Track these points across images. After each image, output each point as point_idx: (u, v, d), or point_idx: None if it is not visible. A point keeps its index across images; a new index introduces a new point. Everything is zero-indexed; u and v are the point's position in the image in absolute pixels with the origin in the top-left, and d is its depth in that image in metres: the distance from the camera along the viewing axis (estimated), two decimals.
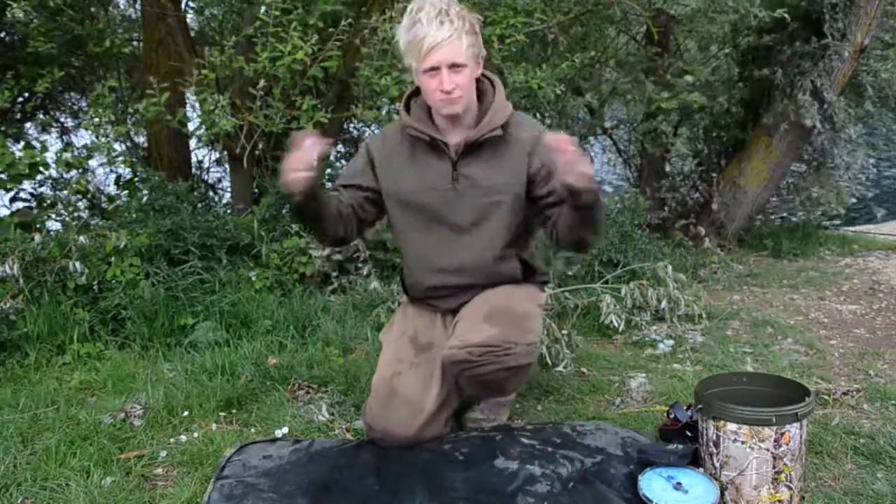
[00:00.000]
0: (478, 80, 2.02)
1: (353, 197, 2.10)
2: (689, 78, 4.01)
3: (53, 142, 4.93)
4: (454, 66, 1.89)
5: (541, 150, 1.97)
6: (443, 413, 2.08)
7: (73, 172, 3.62)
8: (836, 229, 5.50)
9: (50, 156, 3.57)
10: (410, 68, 1.96)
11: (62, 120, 5.15)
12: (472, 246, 2.06)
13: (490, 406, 2.24)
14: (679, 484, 1.78)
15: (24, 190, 3.79)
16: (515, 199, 2.02)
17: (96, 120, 3.42)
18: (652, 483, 1.79)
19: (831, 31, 4.21)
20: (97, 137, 3.47)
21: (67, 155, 3.56)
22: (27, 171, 3.37)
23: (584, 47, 4.42)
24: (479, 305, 2.05)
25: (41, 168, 3.50)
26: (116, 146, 3.82)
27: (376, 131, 4.94)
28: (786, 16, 3.73)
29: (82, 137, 4.75)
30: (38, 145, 3.64)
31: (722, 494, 1.79)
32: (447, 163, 2.02)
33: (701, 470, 1.85)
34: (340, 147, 5.02)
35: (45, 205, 3.76)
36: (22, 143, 3.81)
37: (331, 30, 3.20)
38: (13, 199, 3.79)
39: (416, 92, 2.07)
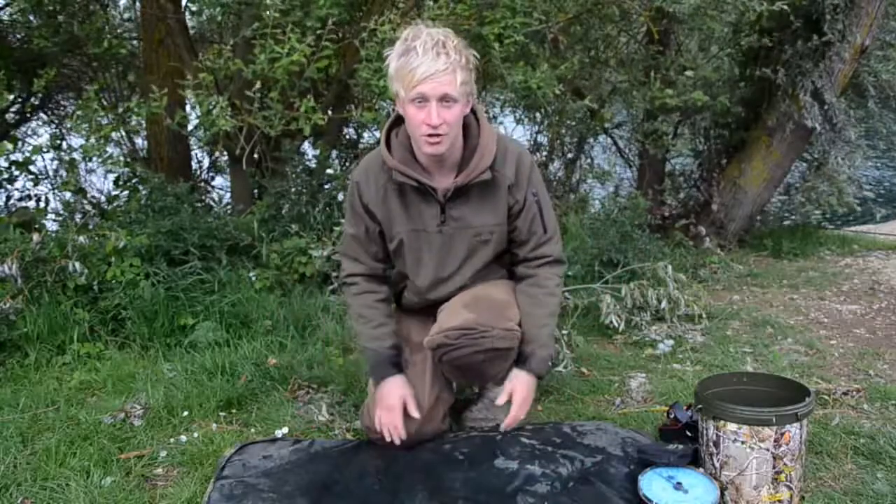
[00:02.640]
0: None
1: (376, 255, 2.08)
2: (689, 73, 3.99)
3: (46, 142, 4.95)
4: (444, 100, 1.81)
5: (518, 184, 2.00)
6: (439, 409, 2.09)
7: (66, 172, 3.63)
8: (837, 229, 5.49)
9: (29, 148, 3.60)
10: (397, 96, 1.87)
11: (59, 121, 5.15)
12: (460, 278, 2.08)
13: (488, 405, 2.25)
14: (679, 484, 1.78)
15: (18, 191, 3.80)
16: (501, 234, 2.05)
17: (86, 124, 3.41)
18: (652, 483, 1.79)
19: (832, 31, 4.21)
20: (87, 140, 3.47)
21: (44, 141, 3.57)
22: (17, 167, 3.39)
23: (583, 47, 4.42)
24: (461, 297, 2.07)
25: (29, 166, 3.52)
26: (113, 147, 3.82)
27: (376, 133, 4.95)
28: (785, 7, 3.69)
29: (78, 138, 4.75)
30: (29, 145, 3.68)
31: (722, 494, 1.79)
32: (435, 206, 1.99)
33: (701, 470, 1.85)
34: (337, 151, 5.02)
35: (41, 205, 3.76)
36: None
37: (320, 31, 3.19)
38: (7, 200, 3.79)
39: (397, 121, 2.01)
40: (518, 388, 2.01)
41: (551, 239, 2.08)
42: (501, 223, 2.03)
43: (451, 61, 1.80)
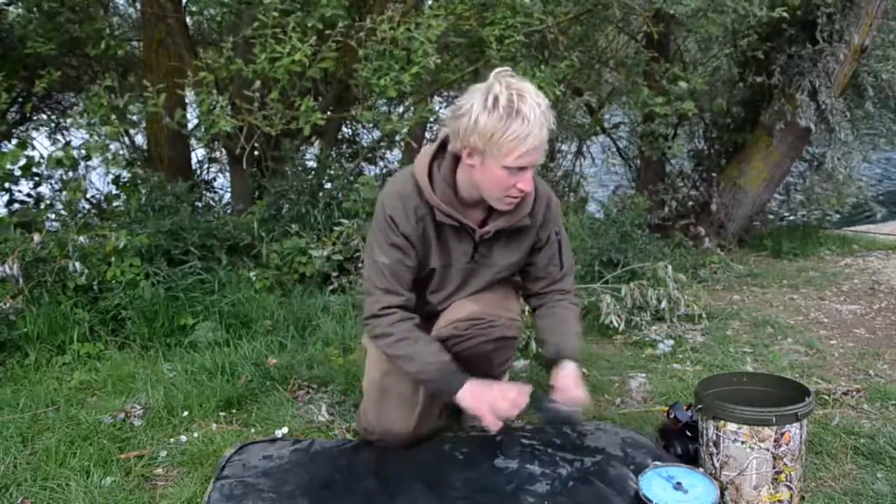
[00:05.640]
0: None
1: (411, 284, 1.98)
2: (683, 84, 3.98)
3: (45, 141, 4.93)
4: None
5: (545, 224, 2.00)
6: (435, 406, 2.09)
7: (70, 172, 3.63)
8: (837, 229, 5.49)
9: (36, 155, 3.58)
10: (476, 150, 1.76)
11: (58, 121, 5.14)
12: (470, 293, 2.07)
13: None
14: (679, 484, 1.78)
15: (20, 192, 3.79)
16: (519, 268, 2.07)
17: (94, 120, 3.41)
18: (652, 483, 1.79)
19: (823, 34, 4.22)
20: (91, 138, 3.46)
21: (60, 153, 3.56)
22: (21, 171, 3.38)
23: (583, 48, 4.42)
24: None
25: (34, 168, 3.51)
26: (113, 145, 3.82)
27: (374, 133, 4.95)
28: (784, 14, 3.71)
29: (77, 138, 4.74)
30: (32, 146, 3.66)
31: (722, 494, 1.79)
32: (469, 245, 1.98)
33: (701, 470, 1.85)
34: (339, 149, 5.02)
35: (42, 206, 3.76)
36: (13, 143, 3.81)
37: (327, 32, 3.19)
38: (10, 202, 3.78)
39: (440, 150, 1.93)
40: (564, 376, 1.94)
41: (565, 276, 2.10)
42: (523, 259, 2.05)
43: (549, 127, 1.75)
